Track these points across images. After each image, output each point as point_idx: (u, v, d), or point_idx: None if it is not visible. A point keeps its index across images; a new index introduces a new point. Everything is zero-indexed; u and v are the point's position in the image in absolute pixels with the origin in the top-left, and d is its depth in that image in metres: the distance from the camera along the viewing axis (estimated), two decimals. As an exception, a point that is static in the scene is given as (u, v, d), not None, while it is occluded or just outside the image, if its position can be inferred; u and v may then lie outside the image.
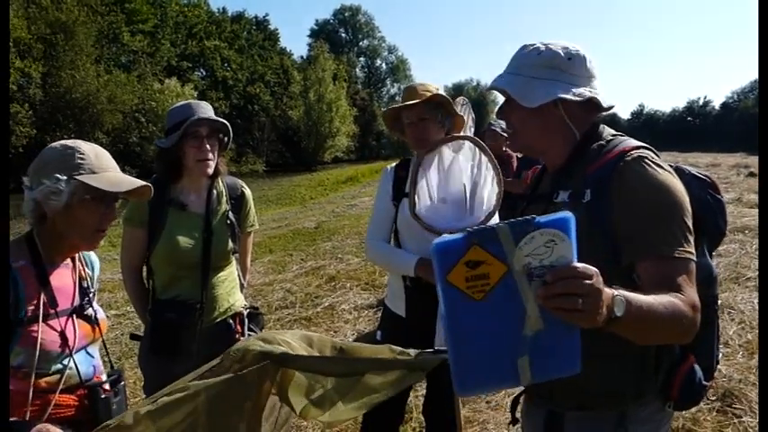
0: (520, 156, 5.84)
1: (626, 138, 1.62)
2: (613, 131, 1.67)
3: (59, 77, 33.86)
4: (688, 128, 78.94)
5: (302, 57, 66.46)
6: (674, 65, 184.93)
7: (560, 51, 1.58)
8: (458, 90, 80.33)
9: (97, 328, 1.96)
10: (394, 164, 2.86)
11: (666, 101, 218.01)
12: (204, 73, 51.34)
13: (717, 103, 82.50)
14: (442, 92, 2.65)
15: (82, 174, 1.75)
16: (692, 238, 1.42)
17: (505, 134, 5.92)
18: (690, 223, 1.43)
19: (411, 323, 2.67)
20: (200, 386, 1.46)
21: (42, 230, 1.84)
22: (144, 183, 1.90)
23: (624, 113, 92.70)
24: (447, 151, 2.59)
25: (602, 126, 1.67)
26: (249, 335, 2.79)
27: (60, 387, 1.78)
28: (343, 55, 70.11)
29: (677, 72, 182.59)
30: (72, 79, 33.92)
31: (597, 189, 1.50)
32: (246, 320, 2.83)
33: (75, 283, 1.93)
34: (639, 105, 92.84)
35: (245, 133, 48.29)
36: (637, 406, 1.57)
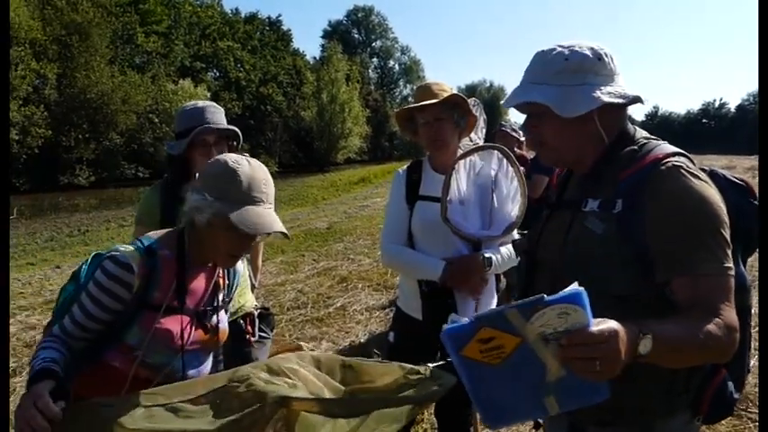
0: (531, 157, 5.81)
1: (660, 142, 1.55)
2: (646, 134, 1.60)
3: (74, 78, 34.16)
4: (703, 130, 78.36)
5: (315, 57, 66.55)
6: (688, 66, 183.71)
7: (588, 53, 1.50)
8: (471, 91, 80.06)
9: (215, 337, 2.00)
10: (405, 166, 2.83)
11: (681, 103, 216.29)
12: (217, 74, 51.53)
13: (732, 105, 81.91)
14: (456, 91, 2.63)
15: (227, 202, 1.76)
16: (729, 252, 1.37)
17: (515, 134, 5.90)
18: (728, 236, 1.37)
19: (427, 326, 2.62)
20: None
21: (192, 232, 1.88)
22: (283, 230, 1.85)
23: (638, 115, 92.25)
24: (477, 159, 2.62)
25: (633, 127, 1.60)
26: (260, 335, 2.80)
27: (157, 380, 1.82)
28: (356, 56, 70.10)
29: (692, 74, 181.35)
30: (86, 80, 34.21)
31: (629, 199, 1.44)
32: (257, 321, 2.83)
33: (207, 288, 1.98)
34: (654, 107, 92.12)
35: (258, 134, 48.44)
36: (665, 420, 1.53)
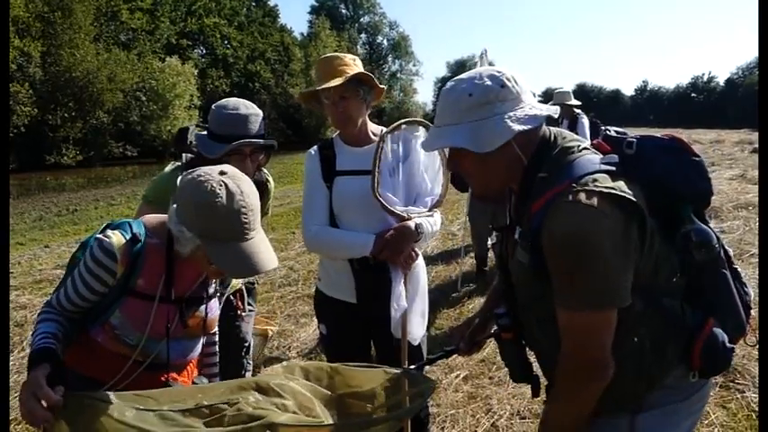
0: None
1: (575, 156, 1.54)
2: (568, 139, 1.60)
3: (59, 56, 33.59)
4: (692, 104, 78.32)
5: (303, 34, 65.84)
6: (678, 40, 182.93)
7: (490, 83, 1.51)
8: (460, 67, 79.50)
9: (199, 327, 2.00)
10: (316, 146, 2.73)
11: (670, 77, 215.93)
12: (204, 51, 50.89)
13: (721, 80, 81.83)
14: (359, 65, 2.54)
15: (207, 240, 1.70)
16: (611, 284, 1.40)
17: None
18: (611, 267, 1.39)
19: (362, 308, 2.60)
20: None
21: None
22: (272, 269, 1.81)
23: (628, 90, 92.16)
24: (404, 133, 2.57)
25: (551, 133, 1.60)
26: (250, 310, 3.01)
27: (134, 358, 1.86)
28: (345, 31, 69.39)
29: (681, 48, 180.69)
30: (71, 58, 33.64)
31: (535, 237, 1.48)
32: (246, 295, 2.94)
33: (195, 279, 1.95)
34: (643, 81, 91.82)
35: (247, 111, 47.81)
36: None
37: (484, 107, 1.50)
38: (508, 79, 1.52)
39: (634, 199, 1.41)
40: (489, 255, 6.76)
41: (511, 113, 1.49)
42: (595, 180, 1.44)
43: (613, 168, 1.49)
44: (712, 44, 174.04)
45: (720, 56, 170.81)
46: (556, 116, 1.58)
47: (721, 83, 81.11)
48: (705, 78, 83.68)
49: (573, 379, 1.49)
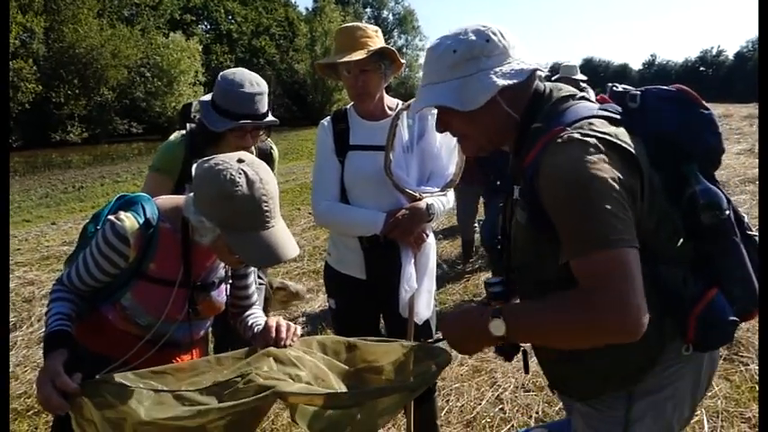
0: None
1: (569, 104, 1.48)
2: (563, 90, 1.53)
3: (62, 32, 33.45)
4: (701, 78, 77.51)
5: (307, 9, 65.28)
6: (687, 13, 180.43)
7: (474, 37, 1.44)
8: (466, 41, 78.58)
9: (208, 310, 1.98)
10: (329, 117, 2.66)
11: (679, 50, 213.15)
12: (208, 26, 50.59)
13: (731, 53, 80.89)
14: (380, 38, 2.47)
15: (228, 230, 1.64)
16: (620, 223, 1.27)
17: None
18: (618, 205, 1.28)
19: (372, 285, 2.58)
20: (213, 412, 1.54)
21: None
22: (293, 254, 1.73)
23: (636, 64, 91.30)
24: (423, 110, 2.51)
25: (545, 86, 1.53)
26: (259, 284, 2.94)
27: (147, 338, 1.85)
28: (350, 6, 68.75)
29: (690, 21, 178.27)
30: (75, 34, 33.50)
31: (531, 189, 1.41)
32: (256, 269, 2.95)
33: (206, 264, 1.93)
34: (651, 55, 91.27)
35: (251, 87, 47.61)
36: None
37: (468, 63, 1.44)
38: (494, 33, 1.45)
39: (630, 149, 1.35)
40: (476, 237, 6.52)
41: (496, 69, 1.43)
42: (591, 124, 1.38)
43: (614, 115, 1.43)
44: (722, 17, 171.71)
45: (731, 29, 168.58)
46: (545, 71, 1.53)
47: (731, 56, 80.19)
48: (714, 52, 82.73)
49: (586, 308, 1.29)
